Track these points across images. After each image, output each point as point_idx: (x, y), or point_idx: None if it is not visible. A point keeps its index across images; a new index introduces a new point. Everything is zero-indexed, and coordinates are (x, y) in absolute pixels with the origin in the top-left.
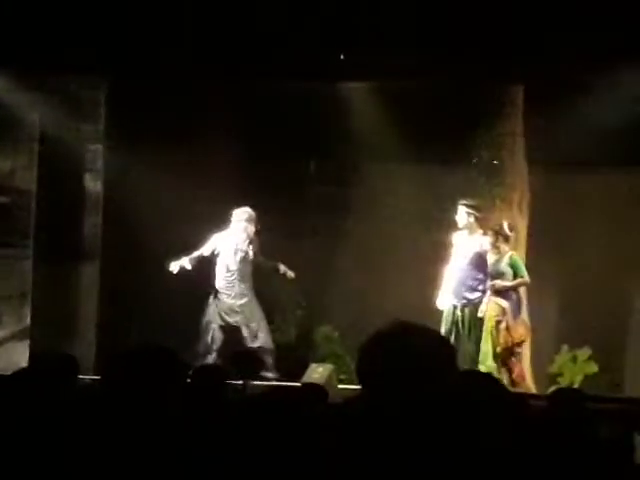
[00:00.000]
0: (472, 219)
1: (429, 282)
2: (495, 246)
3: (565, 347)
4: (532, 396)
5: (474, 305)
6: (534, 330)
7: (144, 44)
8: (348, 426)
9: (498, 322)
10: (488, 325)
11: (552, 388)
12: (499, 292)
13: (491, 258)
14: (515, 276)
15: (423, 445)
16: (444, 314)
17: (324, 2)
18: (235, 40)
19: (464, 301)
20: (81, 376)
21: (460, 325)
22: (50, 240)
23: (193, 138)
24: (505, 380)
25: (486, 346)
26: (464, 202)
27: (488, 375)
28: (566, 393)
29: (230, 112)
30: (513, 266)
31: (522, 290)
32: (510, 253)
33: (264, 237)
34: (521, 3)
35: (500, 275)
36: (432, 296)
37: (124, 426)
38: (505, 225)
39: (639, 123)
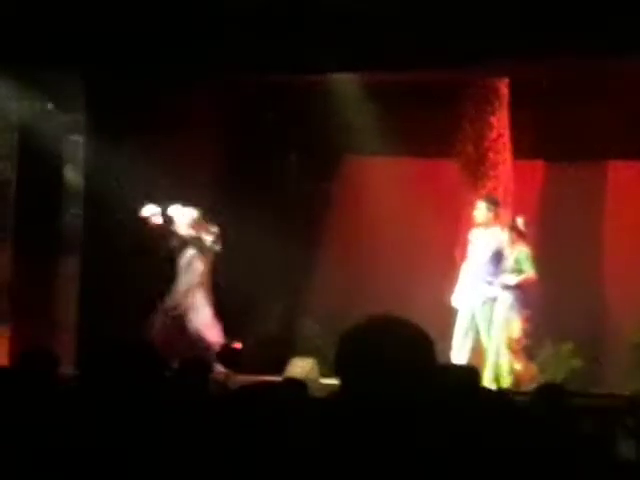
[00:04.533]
0: (492, 214)
1: (411, 277)
2: (509, 241)
3: (548, 342)
4: (515, 392)
5: (492, 301)
6: None
7: (125, 34)
8: (326, 420)
9: (504, 319)
10: (498, 321)
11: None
12: (507, 288)
13: (504, 253)
14: (520, 272)
15: (401, 439)
16: (461, 311)
17: None
18: (217, 33)
19: (483, 298)
20: (62, 370)
21: (481, 322)
22: (30, 231)
23: (175, 130)
24: (507, 378)
25: (492, 344)
26: (484, 197)
27: (468, 369)
28: (549, 389)
29: (212, 105)
30: (519, 262)
31: (530, 286)
32: (519, 249)
33: (246, 231)
34: None
35: (509, 270)
36: (413, 291)
37: (104, 420)
38: (520, 220)
39: (621, 119)
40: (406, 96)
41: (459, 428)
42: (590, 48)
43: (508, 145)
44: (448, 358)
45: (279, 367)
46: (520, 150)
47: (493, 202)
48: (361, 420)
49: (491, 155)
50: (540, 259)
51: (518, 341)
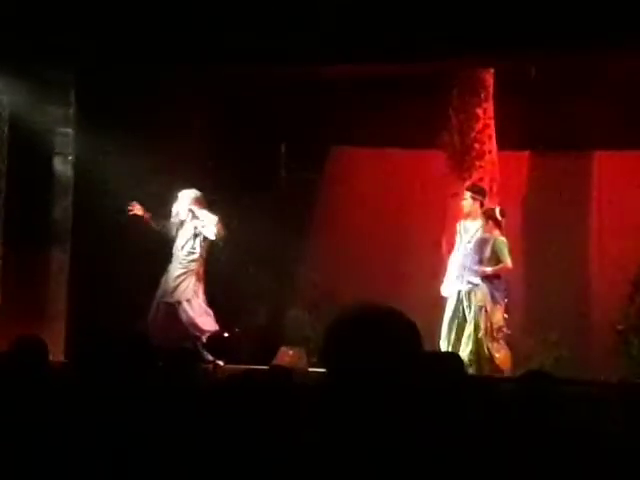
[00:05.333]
0: (478, 204)
1: (400, 267)
2: (485, 231)
3: (534, 330)
4: (502, 379)
5: (478, 289)
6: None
7: (115, 27)
8: (312, 407)
9: (480, 307)
10: (473, 310)
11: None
12: (484, 277)
13: (480, 242)
14: (498, 261)
15: (388, 426)
16: (449, 300)
17: None
18: (204, 25)
19: (469, 286)
20: (52, 359)
21: (466, 310)
22: (19, 223)
23: (164, 122)
24: (486, 366)
25: (468, 331)
26: (470, 187)
27: (454, 356)
28: (535, 376)
29: (200, 97)
30: (496, 251)
31: (507, 275)
32: (496, 238)
33: (235, 221)
34: None
35: (486, 260)
36: (402, 280)
37: (94, 409)
38: (497, 210)
39: (607, 109)
40: (392, 87)
41: (445, 415)
42: (576, 39)
43: (494, 135)
44: (436, 347)
45: (268, 356)
46: (506, 140)
47: (479, 192)
48: (347, 408)
49: (477, 146)
50: (526, 249)
51: (498, 330)
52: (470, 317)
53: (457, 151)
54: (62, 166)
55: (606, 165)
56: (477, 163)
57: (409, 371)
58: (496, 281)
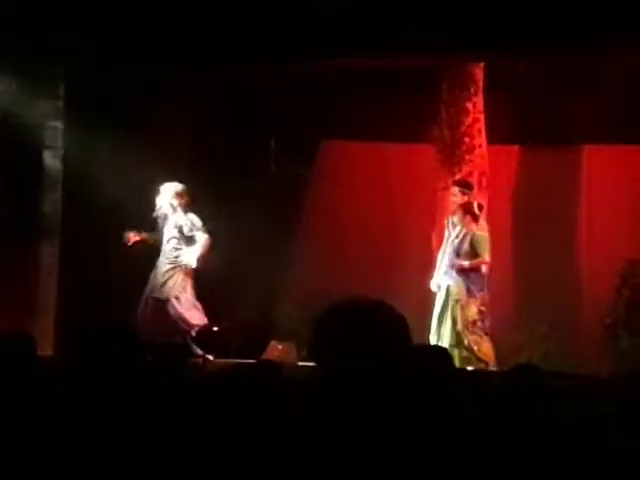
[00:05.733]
0: (466, 199)
1: (390, 262)
2: (463, 224)
3: (523, 324)
4: (490, 372)
5: (454, 283)
6: (492, 306)
7: (104, 21)
8: (302, 402)
9: (457, 301)
10: (449, 304)
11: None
12: (461, 271)
13: (456, 236)
14: (476, 255)
15: (379, 422)
16: (438, 294)
17: None
18: (195, 21)
19: (455, 280)
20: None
21: (453, 303)
22: (9, 217)
23: (154, 116)
24: (468, 359)
25: (445, 325)
26: (458, 182)
27: (440, 349)
28: (524, 370)
29: (191, 92)
30: (474, 245)
31: (484, 269)
32: (474, 232)
33: (225, 216)
34: None
35: (463, 254)
36: (392, 275)
37: (83, 403)
38: (475, 204)
39: (596, 103)
40: (382, 82)
41: (435, 408)
42: (566, 35)
43: (483, 130)
44: (427, 341)
45: (258, 351)
46: (495, 134)
47: (467, 186)
48: (338, 402)
49: (467, 140)
50: (515, 243)
51: (473, 323)
52: (448, 311)
53: (447, 145)
54: (51, 160)
55: (595, 159)
56: (467, 157)
57: (399, 365)
58: (472, 274)
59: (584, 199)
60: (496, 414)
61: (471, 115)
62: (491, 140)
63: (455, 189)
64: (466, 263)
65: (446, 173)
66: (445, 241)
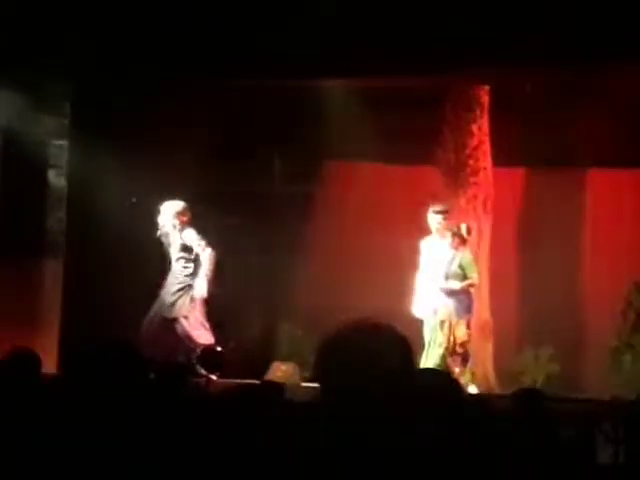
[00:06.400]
0: (444, 223)
1: (395, 284)
2: (452, 247)
3: (527, 347)
4: (494, 396)
5: (441, 304)
6: (496, 329)
7: (111, 40)
8: (304, 423)
9: (442, 322)
10: (436, 326)
11: (515, 388)
12: (449, 293)
13: (446, 259)
14: (464, 277)
15: (381, 443)
16: (426, 321)
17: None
18: (201, 38)
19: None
20: (45, 372)
21: (441, 325)
22: (13, 234)
23: (158, 134)
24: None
25: (433, 347)
26: (435, 208)
27: (445, 373)
28: (528, 393)
29: (195, 110)
30: (463, 267)
31: (473, 290)
32: (462, 254)
33: (228, 234)
34: (489, 4)
35: (453, 276)
36: (398, 298)
37: (86, 421)
38: (463, 227)
39: (601, 127)
40: (387, 102)
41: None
42: (570, 57)
43: (488, 152)
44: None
45: (261, 371)
46: (500, 157)
47: (442, 212)
48: (340, 424)
49: (472, 162)
50: (519, 265)
51: (462, 344)
52: (437, 332)
53: (452, 167)
54: (56, 178)
55: (600, 182)
56: (472, 179)
57: (403, 388)
58: (461, 296)
59: (589, 222)
60: (500, 437)
61: (476, 137)
62: (496, 163)
63: (437, 217)
64: (457, 286)
65: (451, 195)
66: (424, 264)
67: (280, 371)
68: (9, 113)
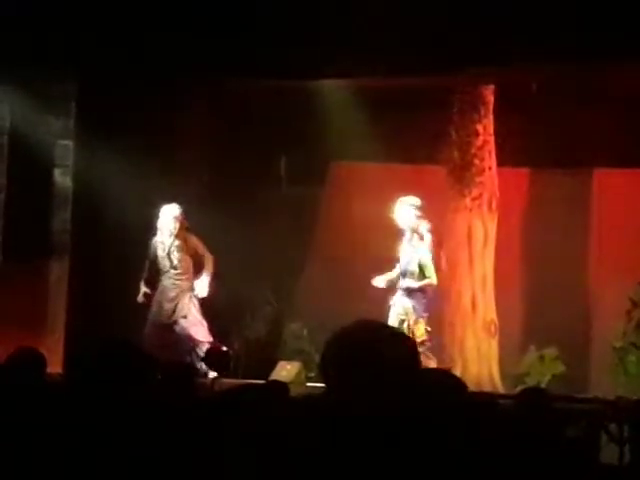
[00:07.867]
0: (417, 220)
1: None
2: (410, 244)
3: (532, 347)
4: (499, 396)
5: (398, 303)
6: (501, 330)
7: (116, 40)
8: (309, 424)
9: (402, 321)
10: (396, 324)
11: (519, 388)
12: (407, 291)
13: (404, 256)
14: (423, 276)
15: (387, 443)
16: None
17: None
18: (206, 38)
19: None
20: (49, 372)
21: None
22: (19, 235)
23: (164, 134)
24: None
25: None
26: (409, 202)
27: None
28: (533, 393)
29: (202, 108)
30: (421, 266)
31: (431, 290)
32: (421, 253)
33: (234, 235)
34: (493, 5)
35: (410, 274)
36: None
37: (91, 421)
38: (423, 225)
39: (606, 127)
40: (393, 102)
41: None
42: (576, 56)
43: (493, 152)
44: None
45: (266, 371)
46: (505, 157)
47: (417, 207)
48: (345, 423)
49: (477, 162)
50: (525, 265)
51: (421, 343)
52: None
53: (457, 167)
54: (62, 178)
55: (605, 182)
56: (477, 179)
57: (408, 387)
58: (418, 294)
59: (594, 222)
60: (505, 437)
61: (481, 137)
62: (501, 162)
63: (409, 209)
64: (415, 284)
65: (456, 194)
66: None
67: (285, 371)
68: (15, 113)
